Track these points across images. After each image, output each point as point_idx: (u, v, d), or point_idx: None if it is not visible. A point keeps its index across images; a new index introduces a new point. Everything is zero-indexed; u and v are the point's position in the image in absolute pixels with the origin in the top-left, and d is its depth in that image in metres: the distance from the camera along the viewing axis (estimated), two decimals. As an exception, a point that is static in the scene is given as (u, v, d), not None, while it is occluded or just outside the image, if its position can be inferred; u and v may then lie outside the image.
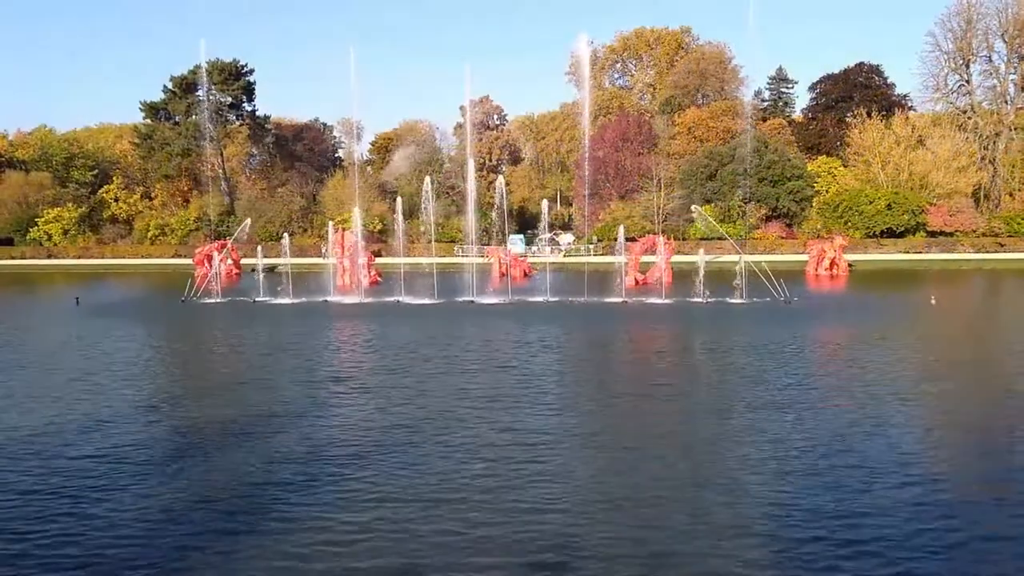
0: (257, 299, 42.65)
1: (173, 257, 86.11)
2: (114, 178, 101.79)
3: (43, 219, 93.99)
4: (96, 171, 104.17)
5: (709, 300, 38.79)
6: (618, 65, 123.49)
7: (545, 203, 57.72)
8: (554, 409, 16.82)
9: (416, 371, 21.30)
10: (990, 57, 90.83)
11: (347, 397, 18.24)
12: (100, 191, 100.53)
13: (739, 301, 38.40)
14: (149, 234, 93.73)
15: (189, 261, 68.26)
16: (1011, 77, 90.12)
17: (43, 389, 19.48)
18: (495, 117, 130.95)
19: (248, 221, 60.64)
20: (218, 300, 42.72)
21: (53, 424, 16.00)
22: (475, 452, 13.80)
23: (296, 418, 16.30)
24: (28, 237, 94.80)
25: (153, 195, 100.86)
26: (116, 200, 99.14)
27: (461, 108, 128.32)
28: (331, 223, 58.56)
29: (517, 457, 13.51)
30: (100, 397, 18.46)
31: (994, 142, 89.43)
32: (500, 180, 55.64)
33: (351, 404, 17.44)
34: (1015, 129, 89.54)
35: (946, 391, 18.40)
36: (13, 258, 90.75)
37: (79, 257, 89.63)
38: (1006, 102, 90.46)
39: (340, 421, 16.03)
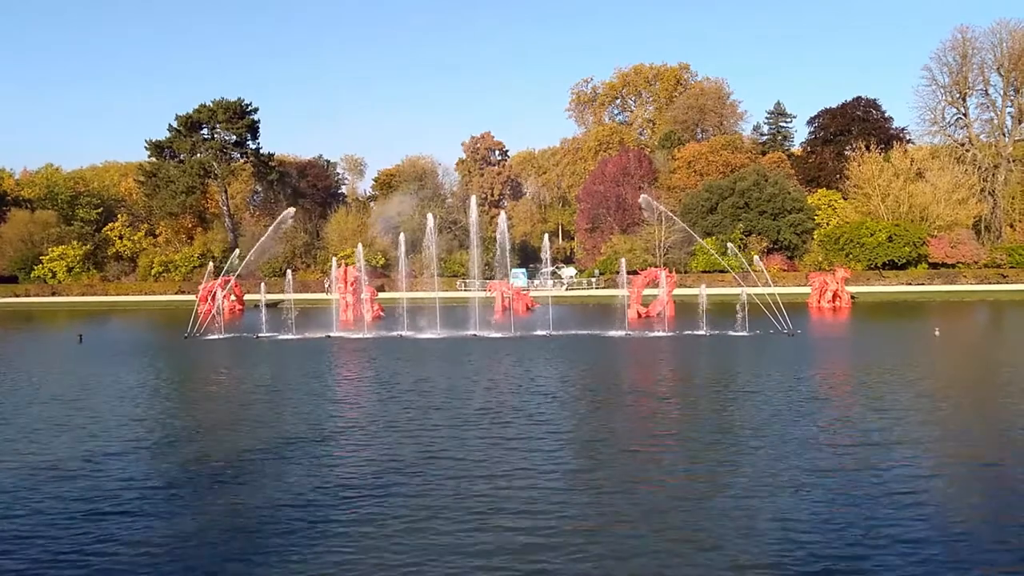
0: (260, 335, 42.67)
1: (177, 294, 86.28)
2: (119, 216, 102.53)
3: (48, 257, 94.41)
4: (101, 209, 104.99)
5: (712, 333, 38.75)
6: (618, 101, 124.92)
7: (546, 238, 58.06)
8: (574, 470, 15.55)
9: (418, 416, 21.16)
10: (986, 90, 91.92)
11: (343, 446, 17.76)
12: (105, 229, 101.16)
13: (742, 333, 38.35)
14: (153, 271, 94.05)
15: (193, 297, 68.51)
16: (1008, 110, 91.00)
17: (40, 427, 19.39)
18: (496, 153, 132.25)
19: (236, 251, 61.06)
20: (221, 336, 42.73)
21: (48, 463, 15.88)
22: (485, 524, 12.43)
23: (288, 465, 16.12)
24: (32, 275, 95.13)
25: (157, 232, 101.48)
26: (121, 238, 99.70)
27: (463, 144, 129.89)
28: (334, 259, 58.85)
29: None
30: (97, 435, 18.34)
31: (993, 174, 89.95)
32: (502, 216, 55.98)
33: (344, 457, 17.04)
34: (1013, 161, 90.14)
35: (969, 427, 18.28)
36: (17, 296, 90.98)
37: (83, 295, 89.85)
38: (1003, 134, 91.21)
39: (328, 476, 15.65)
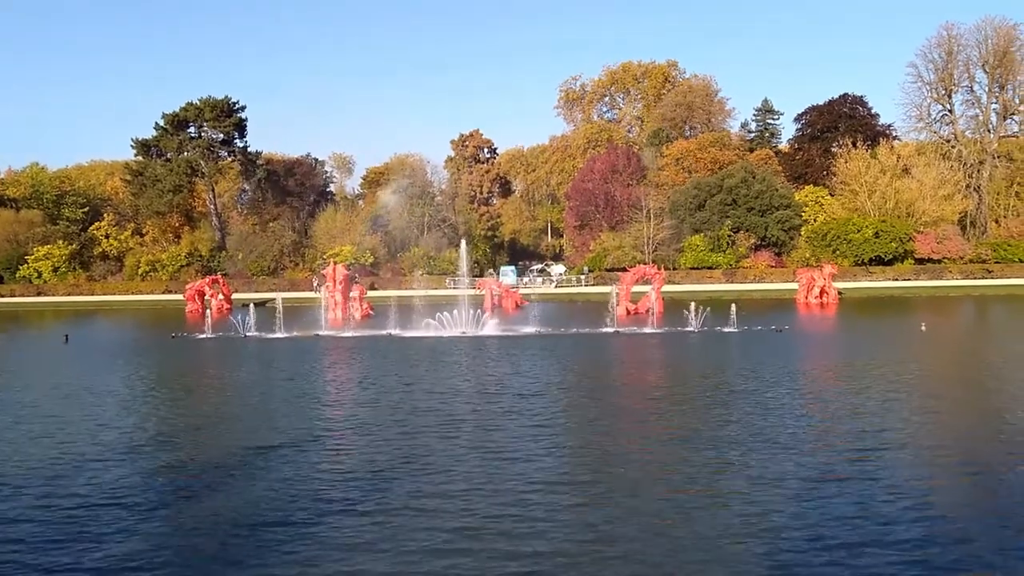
0: (248, 334, 42.46)
1: (164, 293, 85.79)
2: (105, 215, 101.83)
3: (33, 257, 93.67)
4: (87, 208, 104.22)
5: (701, 329, 38.84)
6: (606, 99, 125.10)
7: (538, 269, 59.71)
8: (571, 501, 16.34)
9: (404, 417, 21.09)
10: (971, 87, 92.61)
11: (327, 449, 17.83)
12: (91, 228, 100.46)
13: (730, 330, 38.46)
14: (140, 270, 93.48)
15: (180, 297, 68.14)
16: (993, 106, 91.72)
17: (24, 428, 19.21)
18: (485, 150, 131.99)
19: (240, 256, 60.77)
20: (209, 335, 42.49)
21: (34, 464, 15.73)
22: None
23: (270, 469, 16.07)
24: (18, 275, 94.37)
25: (144, 231, 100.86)
26: (107, 237, 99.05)
27: (452, 142, 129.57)
28: (322, 258, 58.77)
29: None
30: (80, 437, 18.14)
31: (978, 170, 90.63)
32: (500, 275, 57.00)
33: (328, 460, 17.06)
34: (998, 157, 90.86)
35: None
36: (2, 296, 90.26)
37: (69, 294, 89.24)
38: (989, 131, 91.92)
39: (313, 480, 15.73)
